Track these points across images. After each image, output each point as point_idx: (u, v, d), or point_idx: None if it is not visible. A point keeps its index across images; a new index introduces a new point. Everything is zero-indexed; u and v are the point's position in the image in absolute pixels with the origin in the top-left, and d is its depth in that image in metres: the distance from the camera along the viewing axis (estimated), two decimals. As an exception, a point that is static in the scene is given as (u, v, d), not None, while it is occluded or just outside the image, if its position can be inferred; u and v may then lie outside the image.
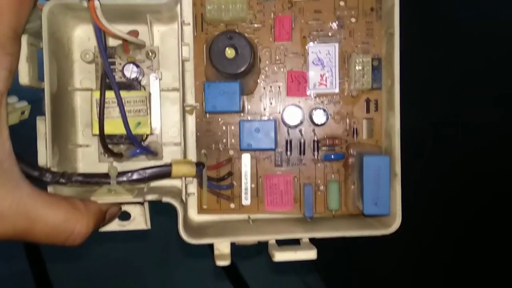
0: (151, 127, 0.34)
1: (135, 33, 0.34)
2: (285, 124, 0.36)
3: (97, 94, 0.32)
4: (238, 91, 0.35)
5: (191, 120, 0.38)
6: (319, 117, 0.36)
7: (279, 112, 0.38)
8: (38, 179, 0.30)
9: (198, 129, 0.38)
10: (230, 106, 0.35)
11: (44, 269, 0.97)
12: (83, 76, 0.37)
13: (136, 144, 0.34)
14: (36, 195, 0.28)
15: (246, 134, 0.35)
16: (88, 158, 0.37)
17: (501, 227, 0.78)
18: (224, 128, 0.38)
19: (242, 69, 0.35)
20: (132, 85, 0.34)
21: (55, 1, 0.31)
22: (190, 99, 0.38)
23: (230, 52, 0.34)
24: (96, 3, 0.31)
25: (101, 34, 0.31)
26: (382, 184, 0.33)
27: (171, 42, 0.37)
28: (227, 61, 0.35)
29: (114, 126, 0.33)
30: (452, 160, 0.77)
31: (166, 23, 0.37)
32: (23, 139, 0.36)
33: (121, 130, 0.33)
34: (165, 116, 0.38)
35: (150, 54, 0.37)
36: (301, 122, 0.36)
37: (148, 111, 0.34)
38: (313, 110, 0.36)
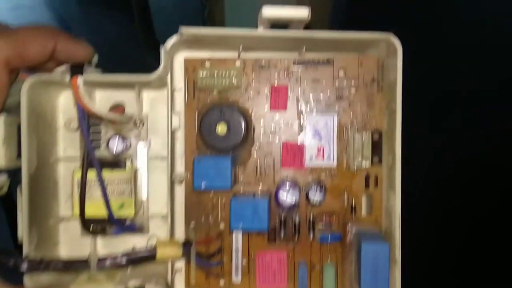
0: (135, 209, 0.32)
1: (120, 109, 0.32)
2: (278, 203, 0.34)
3: (78, 174, 0.30)
4: (230, 168, 0.33)
5: (180, 190, 0.36)
6: (316, 196, 0.34)
7: (274, 183, 0.36)
8: (14, 268, 0.29)
9: (187, 200, 0.36)
10: (221, 183, 0.33)
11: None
12: (67, 144, 0.35)
13: (119, 226, 0.32)
14: None
15: (236, 215, 0.33)
16: (71, 232, 0.35)
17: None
18: (214, 200, 0.36)
19: (234, 144, 0.33)
20: (117, 163, 0.32)
21: (35, 78, 0.30)
22: (180, 168, 0.36)
23: (221, 129, 0.32)
24: (79, 81, 0.29)
25: (83, 114, 0.29)
26: (381, 273, 0.31)
27: (162, 108, 0.36)
28: (219, 137, 0.33)
29: (96, 208, 0.31)
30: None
31: (156, 89, 0.35)
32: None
33: (104, 213, 0.31)
34: (153, 186, 0.36)
35: (138, 123, 0.35)
36: (296, 201, 0.34)
37: (133, 192, 0.32)
38: (310, 188, 0.34)
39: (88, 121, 0.30)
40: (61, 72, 0.30)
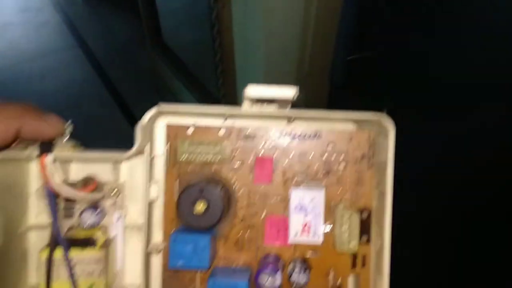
0: (105, 291, 0.30)
1: (93, 184, 0.30)
2: (258, 287, 0.32)
3: (44, 254, 0.29)
4: (208, 247, 0.31)
5: (157, 261, 0.34)
6: (300, 278, 0.32)
7: (256, 258, 0.34)
8: None
9: (164, 273, 0.34)
10: (198, 263, 0.31)
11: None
12: (40, 210, 0.33)
13: (87, 309, 0.30)
14: None
15: (213, 299, 0.31)
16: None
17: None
18: (192, 274, 0.34)
19: (212, 224, 0.31)
20: (88, 239, 0.30)
21: (1, 156, 0.28)
22: (158, 236, 0.34)
23: (200, 208, 0.31)
24: (48, 159, 0.27)
25: (51, 194, 0.27)
26: None
27: (141, 174, 0.34)
28: (197, 216, 0.31)
29: (63, 289, 0.29)
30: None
31: (135, 156, 0.34)
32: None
33: (71, 294, 0.29)
34: (129, 255, 0.34)
35: (114, 192, 0.33)
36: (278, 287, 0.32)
37: (104, 271, 0.30)
38: (293, 270, 0.32)
39: (55, 203, 0.28)
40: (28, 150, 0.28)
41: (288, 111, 0.30)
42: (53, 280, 0.29)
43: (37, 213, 0.34)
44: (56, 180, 0.27)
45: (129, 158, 0.32)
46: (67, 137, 0.29)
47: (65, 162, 0.31)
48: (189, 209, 0.31)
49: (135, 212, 0.34)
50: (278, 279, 0.31)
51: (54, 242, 0.28)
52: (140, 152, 0.32)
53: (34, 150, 0.28)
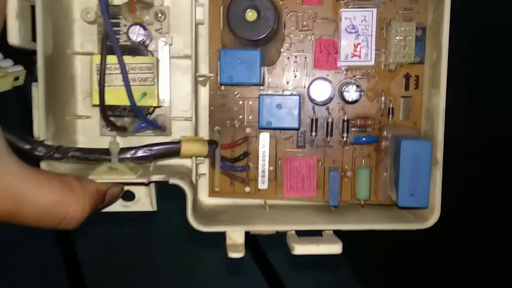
0: (158, 99, 0.30)
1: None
2: (311, 100, 0.32)
3: (97, 59, 0.28)
4: (259, 61, 0.30)
5: (204, 92, 0.34)
6: (351, 93, 0.31)
7: (304, 87, 0.33)
8: (29, 153, 0.27)
9: (211, 103, 0.34)
10: (249, 77, 0.30)
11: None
12: (84, 38, 0.33)
13: (141, 117, 0.30)
14: (24, 172, 0.24)
15: (266, 110, 0.30)
16: (89, 131, 0.34)
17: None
18: (241, 102, 0.34)
19: (264, 34, 0.30)
20: (138, 49, 0.30)
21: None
22: (204, 69, 0.34)
23: (251, 15, 0.30)
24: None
25: (103, -11, 0.26)
26: (421, 173, 0.29)
27: (184, 1, 0.33)
28: (247, 25, 0.30)
29: (116, 96, 0.29)
30: (499, 148, 0.69)
31: (178, -20, 0.33)
32: (18, 109, 0.32)
33: (125, 101, 0.29)
34: (175, 87, 0.33)
35: (160, 15, 0.32)
36: (330, 99, 0.31)
37: (156, 80, 0.29)
38: (344, 86, 0.31)
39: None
40: None
41: None
42: (106, 88, 0.28)
43: (82, 42, 0.33)
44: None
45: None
46: None
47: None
48: (241, 17, 0.30)
49: (179, 43, 0.33)
50: (330, 90, 0.31)
51: (106, 46, 0.27)
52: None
53: None
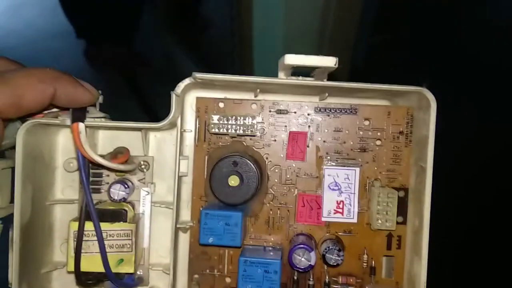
0: (135, 266, 0.29)
1: (125, 154, 0.29)
2: (292, 267, 0.31)
3: (75, 226, 0.28)
4: (240, 225, 0.30)
5: (184, 239, 0.33)
6: (334, 259, 0.31)
7: (287, 237, 0.33)
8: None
9: (191, 251, 0.33)
10: (229, 240, 0.30)
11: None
12: (66, 184, 0.33)
13: (116, 284, 0.29)
14: None
15: (245, 275, 0.30)
16: (65, 279, 0.33)
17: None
18: (221, 251, 0.33)
19: (246, 199, 0.30)
20: (117, 213, 0.30)
21: (33, 121, 0.27)
22: (186, 215, 0.33)
23: (234, 181, 0.30)
24: (81, 127, 0.26)
25: (83, 161, 0.26)
26: None
27: (169, 150, 0.33)
28: (230, 190, 0.30)
29: (92, 263, 0.28)
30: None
31: (164, 130, 0.33)
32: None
33: (101, 268, 0.28)
34: (156, 233, 0.33)
35: (143, 166, 0.32)
36: (311, 267, 0.31)
37: (134, 246, 0.29)
38: (327, 250, 0.31)
39: (88, 170, 0.27)
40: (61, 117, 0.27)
41: (325, 82, 0.28)
42: (82, 254, 0.28)
43: (63, 188, 0.33)
44: (88, 148, 0.26)
45: (162, 128, 0.31)
46: (100, 103, 0.29)
47: (95, 129, 0.31)
48: (223, 182, 0.30)
49: (162, 190, 0.33)
50: (313, 258, 0.30)
51: (84, 214, 0.27)
52: (172, 124, 0.31)
53: (66, 118, 0.27)
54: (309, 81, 0.28)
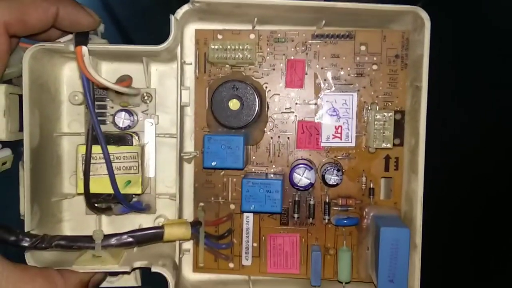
0: (142, 187, 0.30)
1: (128, 81, 0.30)
2: (293, 186, 0.32)
3: (83, 150, 0.29)
4: (242, 147, 0.31)
5: (189, 169, 0.35)
6: (333, 178, 0.32)
7: (288, 164, 0.34)
8: (14, 244, 0.27)
9: (196, 180, 0.34)
10: (232, 163, 0.31)
11: None
12: (72, 118, 0.34)
13: (125, 204, 0.30)
14: (6, 272, 0.24)
15: (248, 196, 0.31)
16: (75, 209, 0.34)
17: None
18: (225, 179, 0.34)
19: (247, 123, 0.31)
20: (123, 139, 0.31)
21: (38, 46, 0.28)
22: (189, 146, 0.35)
23: (234, 104, 0.30)
24: (84, 50, 0.27)
25: (88, 85, 0.27)
26: (400, 259, 0.30)
27: (170, 83, 0.34)
28: (231, 113, 0.31)
29: (101, 185, 0.29)
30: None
31: (165, 62, 0.34)
32: (6, 189, 0.33)
33: (109, 189, 0.29)
34: (161, 164, 0.34)
35: (146, 97, 0.33)
36: (311, 185, 0.32)
37: (140, 168, 0.30)
38: (326, 170, 0.32)
39: (93, 94, 0.28)
40: (65, 41, 0.28)
41: (322, 2, 0.29)
42: (91, 177, 0.29)
43: (69, 122, 0.34)
44: (92, 71, 0.27)
45: (163, 59, 0.31)
46: (102, 32, 0.29)
47: (98, 59, 0.32)
48: (224, 106, 0.31)
49: (165, 121, 0.34)
50: (312, 177, 0.32)
51: (91, 137, 0.28)
52: (171, 56, 0.31)
53: (70, 44, 0.28)
54: (305, 1, 0.29)
